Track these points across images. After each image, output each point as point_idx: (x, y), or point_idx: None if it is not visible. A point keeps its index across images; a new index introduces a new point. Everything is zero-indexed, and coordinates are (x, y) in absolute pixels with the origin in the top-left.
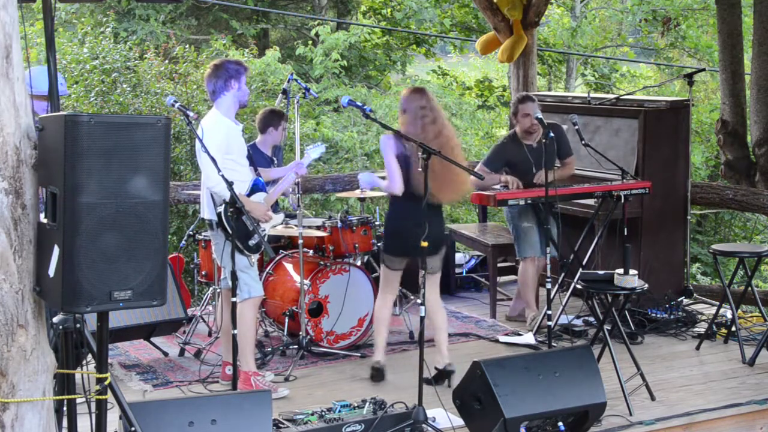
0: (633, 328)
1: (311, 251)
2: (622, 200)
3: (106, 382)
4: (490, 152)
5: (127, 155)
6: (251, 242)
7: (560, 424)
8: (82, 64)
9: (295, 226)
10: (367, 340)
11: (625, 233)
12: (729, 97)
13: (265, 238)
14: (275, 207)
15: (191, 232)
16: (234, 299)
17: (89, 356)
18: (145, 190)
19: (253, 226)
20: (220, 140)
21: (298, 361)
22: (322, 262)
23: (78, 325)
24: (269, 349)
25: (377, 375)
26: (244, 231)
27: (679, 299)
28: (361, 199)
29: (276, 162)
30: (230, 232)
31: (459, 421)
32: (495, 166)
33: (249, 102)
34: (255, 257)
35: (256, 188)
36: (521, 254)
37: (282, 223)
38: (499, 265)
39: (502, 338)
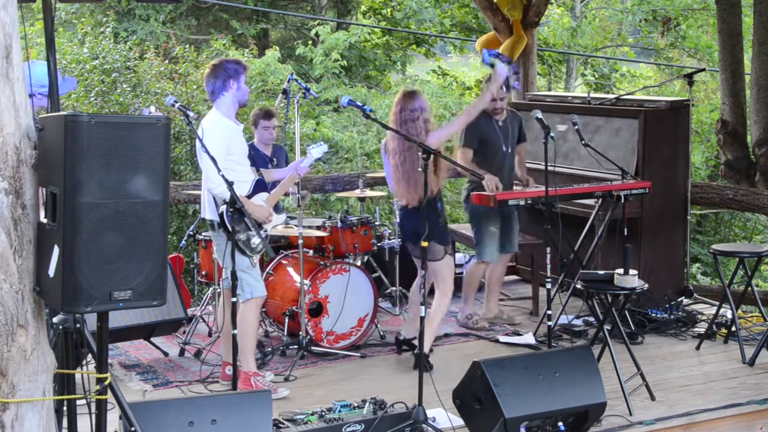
0: (633, 328)
1: (311, 251)
2: (622, 200)
3: (106, 382)
4: (467, 131)
5: (127, 155)
6: (253, 244)
7: (560, 424)
8: (82, 64)
9: (295, 226)
10: (367, 340)
11: (625, 233)
12: (729, 97)
13: (267, 239)
14: (276, 207)
15: (191, 232)
16: (234, 299)
17: (89, 356)
18: (145, 190)
19: (254, 226)
20: (222, 141)
21: (298, 361)
22: (322, 262)
23: (78, 325)
24: (269, 349)
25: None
26: (246, 234)
27: (679, 299)
28: (361, 199)
29: (276, 162)
30: (231, 232)
31: (459, 421)
32: (473, 144)
33: (249, 102)
34: (256, 258)
35: (258, 188)
36: (481, 257)
37: (283, 223)
38: None
39: (502, 338)
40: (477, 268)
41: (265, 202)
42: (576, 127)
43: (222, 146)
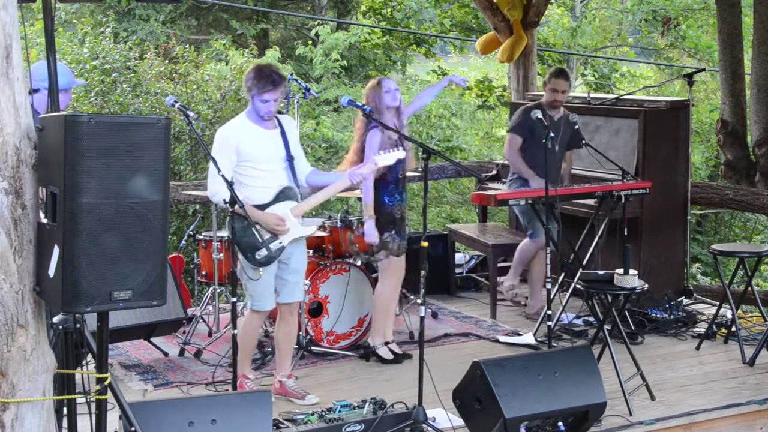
0: (633, 328)
1: (311, 251)
2: (622, 200)
3: (106, 382)
4: (517, 117)
5: (127, 155)
6: (258, 255)
7: (560, 424)
8: (82, 64)
9: None
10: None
11: (625, 233)
12: (729, 97)
13: (280, 251)
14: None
15: (191, 232)
16: (234, 299)
17: (89, 356)
18: (145, 190)
19: (262, 239)
20: (226, 148)
21: (298, 361)
22: (322, 262)
23: (78, 325)
24: (269, 349)
25: None
26: (251, 243)
27: (679, 299)
28: (361, 199)
29: None
30: (233, 236)
31: (459, 421)
32: (522, 132)
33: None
34: (261, 270)
35: (282, 196)
36: (537, 236)
37: (311, 234)
38: (499, 265)
39: (502, 338)
40: (529, 245)
41: (291, 211)
42: (576, 127)
43: (224, 151)
